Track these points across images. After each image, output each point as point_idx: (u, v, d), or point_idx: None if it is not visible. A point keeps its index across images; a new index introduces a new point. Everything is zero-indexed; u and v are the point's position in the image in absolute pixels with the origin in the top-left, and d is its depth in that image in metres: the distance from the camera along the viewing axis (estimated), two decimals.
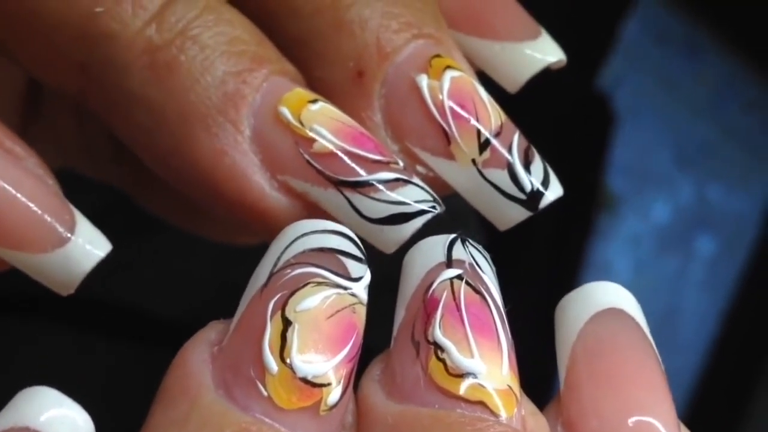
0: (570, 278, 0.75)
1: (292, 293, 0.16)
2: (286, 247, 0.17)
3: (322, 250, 0.17)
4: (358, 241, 0.18)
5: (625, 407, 0.18)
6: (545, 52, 0.22)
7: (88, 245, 0.18)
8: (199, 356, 0.17)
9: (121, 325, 0.39)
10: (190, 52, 0.18)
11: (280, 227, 0.18)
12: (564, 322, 0.19)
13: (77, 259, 0.18)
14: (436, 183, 0.19)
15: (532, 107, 0.66)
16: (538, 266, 0.73)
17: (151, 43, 0.18)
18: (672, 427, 0.18)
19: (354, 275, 0.17)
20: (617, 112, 0.76)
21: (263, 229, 0.19)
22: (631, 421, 0.18)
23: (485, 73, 0.22)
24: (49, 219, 0.18)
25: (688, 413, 0.86)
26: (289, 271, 0.17)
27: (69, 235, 0.18)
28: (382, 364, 0.18)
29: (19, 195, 0.18)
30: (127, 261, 0.35)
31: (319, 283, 0.17)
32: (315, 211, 0.18)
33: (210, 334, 0.17)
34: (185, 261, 0.39)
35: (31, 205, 0.18)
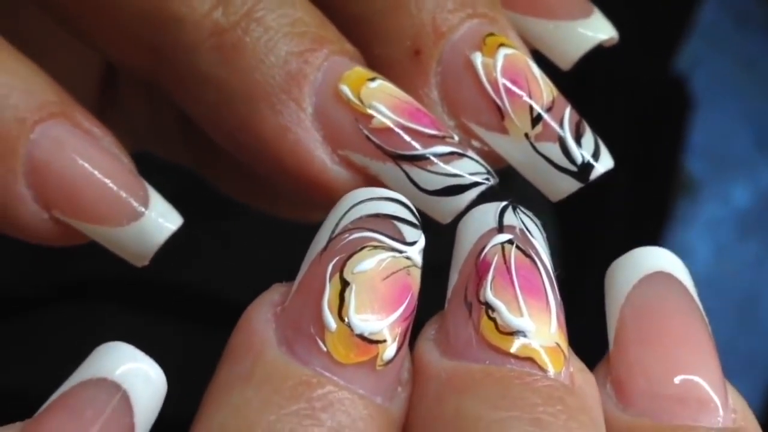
0: None
1: (350, 256, 0.17)
2: (345, 214, 0.18)
3: (378, 215, 0.18)
4: (413, 208, 0.18)
5: (671, 366, 0.18)
6: (597, 29, 0.22)
7: (161, 219, 0.19)
8: (263, 315, 0.18)
9: (192, 310, 0.40)
10: (255, 33, 0.19)
11: (341, 196, 0.19)
12: (613, 285, 0.20)
13: (151, 232, 0.19)
14: (490, 156, 0.20)
15: (609, 92, 0.66)
16: (615, 251, 0.72)
17: (218, 25, 0.19)
18: (718, 385, 0.18)
19: (409, 240, 0.18)
20: (695, 95, 0.75)
21: (326, 201, 0.19)
22: (678, 379, 0.18)
23: (538, 51, 0.23)
24: (124, 194, 0.19)
25: (766, 399, 0.85)
26: (347, 235, 0.18)
27: (143, 209, 0.19)
28: (437, 325, 0.18)
29: (96, 172, 0.19)
30: (199, 246, 0.36)
31: (375, 247, 0.18)
32: (374, 183, 0.19)
33: (273, 295, 0.18)
34: (256, 246, 0.40)
35: (108, 181, 0.19)
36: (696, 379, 0.18)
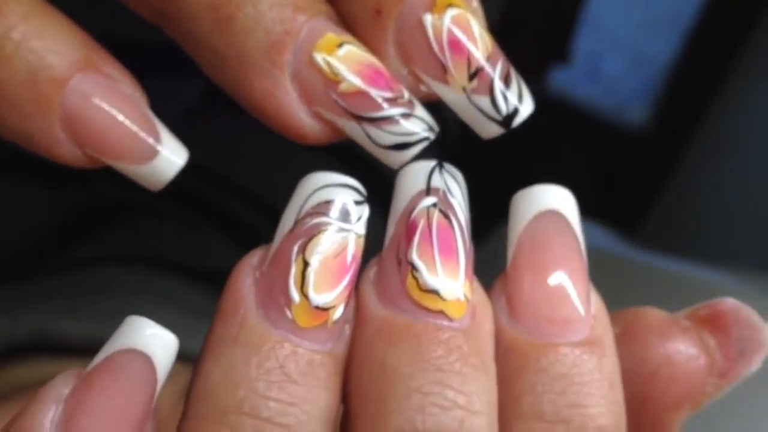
0: None
1: (310, 239, 0.23)
2: (306, 199, 0.23)
3: (331, 201, 0.23)
4: (360, 188, 0.23)
5: (549, 291, 0.24)
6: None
7: (172, 155, 0.24)
8: (245, 280, 0.23)
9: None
10: (245, 8, 0.23)
11: (315, 143, 0.24)
12: (514, 218, 0.25)
13: (164, 167, 0.24)
14: (434, 97, 0.24)
15: None
16: None
17: (214, 1, 0.22)
18: (584, 302, 0.24)
19: (355, 217, 0.23)
20: None
21: (303, 143, 0.24)
22: (552, 302, 0.24)
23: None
24: (142, 136, 0.23)
25: None
26: (308, 219, 0.23)
27: (158, 147, 0.24)
28: (376, 267, 0.24)
29: (119, 118, 0.23)
30: None
31: (328, 230, 0.23)
32: (340, 133, 0.24)
33: (253, 259, 0.23)
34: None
35: (129, 125, 0.23)
36: (567, 300, 0.24)
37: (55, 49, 0.22)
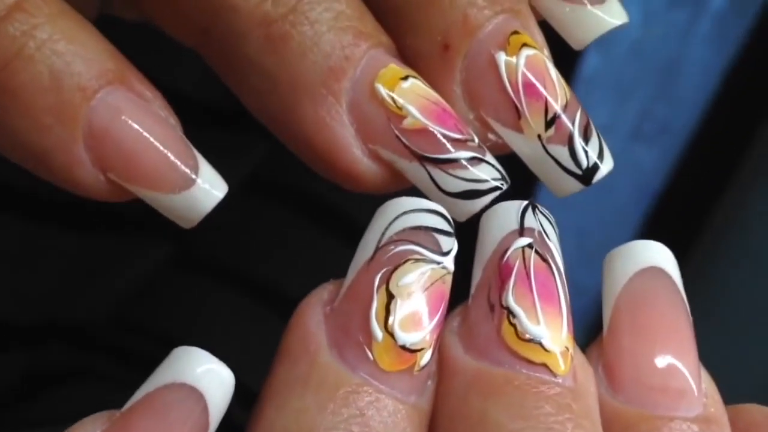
0: None
1: (395, 268, 0.19)
2: (389, 224, 0.20)
3: (419, 228, 0.20)
4: (449, 217, 0.20)
5: (658, 357, 0.21)
6: (611, 15, 0.23)
7: (209, 187, 0.21)
8: (315, 317, 0.19)
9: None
10: (302, 27, 0.20)
11: (369, 189, 0.21)
12: (610, 275, 0.22)
13: (200, 199, 0.21)
14: (504, 148, 0.22)
15: None
16: None
17: (267, 16, 0.20)
18: (695, 375, 0.21)
19: (445, 249, 0.20)
20: None
21: (354, 189, 0.21)
22: (662, 370, 0.21)
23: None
24: (178, 163, 0.20)
25: (686, 157, 0.89)
26: (392, 247, 0.19)
27: (194, 177, 0.21)
28: (460, 318, 0.21)
29: (152, 140, 0.20)
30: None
31: (417, 260, 0.19)
32: (400, 178, 0.21)
33: (323, 293, 0.20)
34: None
35: (163, 150, 0.20)
36: (678, 370, 0.21)
37: (84, 55, 0.20)
